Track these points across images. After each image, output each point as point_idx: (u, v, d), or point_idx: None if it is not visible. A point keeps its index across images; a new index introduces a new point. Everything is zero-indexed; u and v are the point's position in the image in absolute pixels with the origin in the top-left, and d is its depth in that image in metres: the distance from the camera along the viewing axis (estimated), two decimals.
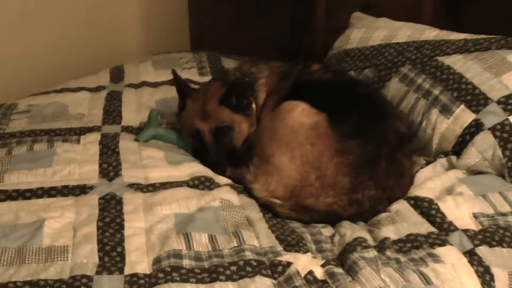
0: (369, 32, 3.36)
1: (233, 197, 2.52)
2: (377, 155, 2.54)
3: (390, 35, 3.26)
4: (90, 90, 3.65)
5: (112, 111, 3.31)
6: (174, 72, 3.09)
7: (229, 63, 4.01)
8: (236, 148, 2.89)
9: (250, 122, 2.94)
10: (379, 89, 3.10)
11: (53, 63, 4.38)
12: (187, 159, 2.85)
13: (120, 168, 2.69)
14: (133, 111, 3.33)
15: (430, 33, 3.17)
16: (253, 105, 3.00)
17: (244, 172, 2.72)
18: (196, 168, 2.74)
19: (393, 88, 3.04)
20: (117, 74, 3.88)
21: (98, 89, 3.67)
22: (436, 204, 2.38)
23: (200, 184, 2.60)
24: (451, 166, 2.65)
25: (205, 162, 2.83)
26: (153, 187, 2.57)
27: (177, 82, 3.08)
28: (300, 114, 2.63)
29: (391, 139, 2.63)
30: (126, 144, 2.92)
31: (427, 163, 2.74)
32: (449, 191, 2.50)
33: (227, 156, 2.85)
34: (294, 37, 4.22)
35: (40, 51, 4.35)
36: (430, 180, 2.59)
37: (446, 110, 2.76)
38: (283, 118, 2.66)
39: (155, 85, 3.72)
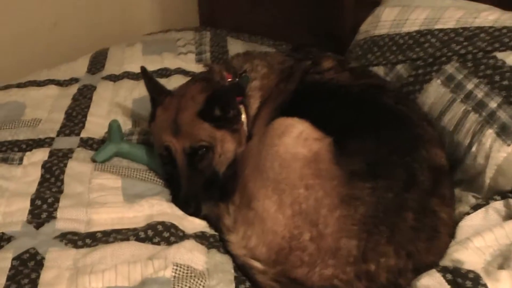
0: (405, 12, 2.54)
1: (197, 259, 1.83)
2: (401, 205, 1.79)
3: (433, 18, 2.44)
4: (60, 83, 3.00)
5: (76, 115, 2.65)
6: (143, 72, 2.36)
7: (235, 46, 3.27)
8: (219, 175, 2.18)
9: (237, 140, 2.23)
10: (413, 94, 2.29)
11: (53, 41, 3.74)
12: (151, 191, 2.19)
13: (57, 206, 2.04)
14: (102, 116, 2.65)
15: (488, 16, 2.32)
16: (243, 116, 2.27)
17: (223, 212, 1.99)
18: (159, 207, 2.05)
19: (434, 93, 2.25)
20: (97, 62, 3.20)
21: (70, 82, 3.02)
22: (485, 286, 1.60)
23: (156, 235, 1.91)
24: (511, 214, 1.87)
25: (175, 196, 2.14)
26: (93, 239, 1.91)
27: (148, 83, 2.35)
28: (295, 141, 1.89)
29: (423, 179, 1.87)
30: (77, 166, 2.26)
31: (476, 207, 1.94)
32: (507, 257, 1.73)
33: (205, 186, 2.14)
34: (318, 14, 3.38)
35: (36, 26, 3.70)
36: (479, 235, 1.84)
37: (506, 133, 1.97)
38: (272, 144, 1.91)
39: (138, 76, 2.99)
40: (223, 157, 2.19)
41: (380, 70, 2.47)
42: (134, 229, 1.93)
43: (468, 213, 1.96)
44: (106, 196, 2.11)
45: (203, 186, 2.13)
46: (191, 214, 2.07)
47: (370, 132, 1.95)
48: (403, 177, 1.83)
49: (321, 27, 3.39)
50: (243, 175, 2.00)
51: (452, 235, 1.89)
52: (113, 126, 2.32)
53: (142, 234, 1.90)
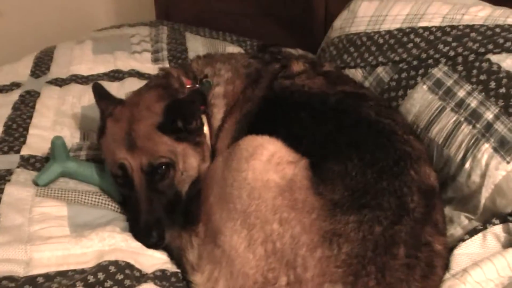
0: (384, 7, 2.29)
1: None
2: (392, 240, 1.55)
3: (416, 15, 2.20)
4: None
5: (16, 128, 2.33)
6: (96, 90, 2.11)
7: (195, 43, 3.00)
8: (182, 196, 1.93)
9: (201, 154, 1.98)
10: (396, 101, 2.05)
11: None
12: (102, 218, 1.91)
13: None
14: (46, 128, 2.35)
15: (478, 13, 2.09)
16: (205, 128, 2.01)
17: (186, 244, 1.73)
18: (111, 241, 1.78)
19: (419, 100, 2.02)
20: (42, 63, 2.87)
21: (10, 87, 2.67)
22: None
23: (108, 278, 1.63)
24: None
25: (132, 225, 1.87)
26: (33, 286, 1.60)
27: (99, 101, 2.10)
28: (266, 165, 1.64)
29: (414, 206, 1.63)
30: (15, 192, 1.96)
31: (472, 232, 1.72)
32: None
33: (167, 209, 1.88)
34: (287, 4, 3.11)
35: None
36: (477, 267, 1.63)
37: (505, 149, 1.74)
38: (239, 169, 1.65)
39: (88, 79, 2.70)
40: (185, 175, 1.92)
41: (357, 73, 2.23)
42: (82, 271, 1.65)
43: (463, 240, 1.73)
44: (50, 229, 1.81)
45: (165, 209, 1.86)
46: (152, 246, 1.80)
47: (351, 151, 1.70)
48: (392, 205, 1.59)
49: (290, 19, 3.12)
50: (207, 203, 1.74)
51: (446, 266, 1.65)
52: (57, 144, 2.02)
53: (91, 278, 1.61)
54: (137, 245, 1.79)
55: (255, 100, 1.98)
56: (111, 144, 1.93)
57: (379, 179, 1.63)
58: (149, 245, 1.80)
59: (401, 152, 1.74)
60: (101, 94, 2.09)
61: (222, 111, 2.03)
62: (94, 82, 2.15)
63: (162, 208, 1.86)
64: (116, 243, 1.76)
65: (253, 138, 1.71)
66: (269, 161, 1.64)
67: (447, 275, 1.64)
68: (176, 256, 1.78)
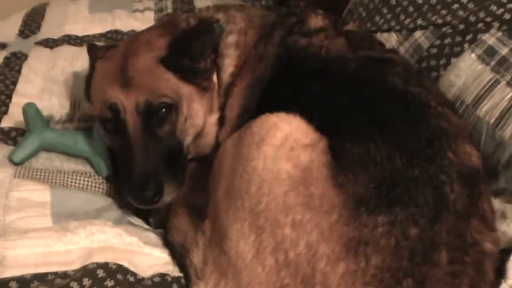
0: None
1: None
2: (431, 243, 1.25)
3: None
4: None
5: None
6: (90, 50, 1.84)
7: (204, 3, 2.67)
8: (183, 148, 1.66)
9: (208, 102, 1.70)
10: (436, 71, 1.74)
11: None
12: (91, 205, 1.64)
13: None
14: (33, 95, 2.08)
15: None
16: (214, 77, 1.72)
17: (190, 242, 1.46)
18: (101, 237, 1.52)
19: (466, 71, 1.71)
20: (32, 21, 2.55)
21: None
22: None
23: (95, 284, 1.34)
24: None
25: (124, 178, 1.59)
26: None
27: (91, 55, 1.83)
28: (278, 151, 1.34)
29: (455, 197, 1.32)
30: None
31: None
32: None
33: (166, 161, 1.59)
34: None
35: None
36: None
37: None
38: (249, 157, 1.36)
39: (82, 41, 2.39)
40: (189, 123, 1.65)
41: (391, 38, 1.91)
42: (65, 275, 1.38)
43: None
44: (29, 219, 1.54)
45: (163, 160, 1.58)
46: (149, 201, 1.53)
47: (374, 129, 1.39)
48: (428, 199, 1.29)
49: None
50: (214, 196, 1.45)
51: (498, 270, 1.36)
52: (29, 113, 1.74)
53: (75, 285, 1.33)
54: (132, 240, 1.52)
55: (268, 59, 1.68)
56: (101, 83, 1.65)
57: (410, 166, 1.33)
58: (145, 200, 1.53)
59: (435, 129, 1.42)
60: (93, 49, 1.80)
61: (233, 65, 1.74)
62: (89, 43, 1.86)
63: (161, 159, 1.57)
64: (107, 240, 1.49)
65: (266, 117, 1.41)
66: (281, 146, 1.34)
67: (504, 285, 1.35)
68: (178, 256, 1.51)
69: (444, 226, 1.28)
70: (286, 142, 1.33)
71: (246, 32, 1.75)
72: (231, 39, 1.76)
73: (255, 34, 1.74)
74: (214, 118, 1.71)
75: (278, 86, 1.61)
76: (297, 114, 1.40)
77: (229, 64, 1.73)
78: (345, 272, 1.20)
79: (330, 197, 1.26)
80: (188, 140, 1.66)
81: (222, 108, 1.75)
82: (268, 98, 1.59)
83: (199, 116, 1.66)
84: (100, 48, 1.82)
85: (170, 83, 1.60)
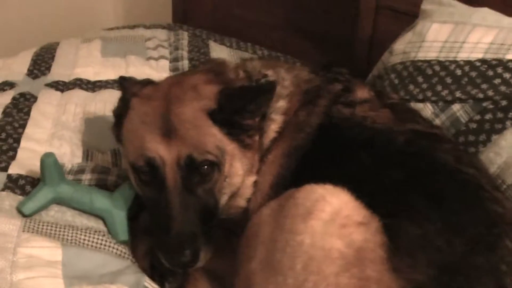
0: (460, 32, 1.91)
1: None
2: None
3: (503, 44, 1.82)
4: None
5: (5, 139, 1.93)
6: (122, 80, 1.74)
7: (220, 54, 2.61)
8: (218, 208, 1.55)
9: (249, 161, 1.59)
10: (475, 147, 1.67)
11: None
12: (106, 267, 1.52)
13: None
14: (42, 141, 1.95)
15: None
16: (257, 137, 1.61)
17: None
18: None
19: (508, 150, 1.67)
20: (42, 61, 2.45)
21: (2, 87, 2.25)
22: None
23: None
24: None
25: (159, 235, 1.48)
26: None
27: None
28: (328, 227, 1.25)
29: None
30: None
31: None
32: None
33: (203, 221, 1.50)
34: (326, 17, 2.73)
35: None
36: None
37: None
38: (293, 231, 1.27)
39: (95, 86, 2.29)
40: (228, 181, 1.55)
41: (426, 109, 1.84)
42: None
43: None
44: (39, 280, 1.41)
45: (201, 220, 1.48)
46: (185, 266, 1.45)
47: (431, 210, 1.31)
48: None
49: (325, 35, 2.74)
50: (247, 267, 1.34)
51: None
52: (47, 163, 1.61)
53: None
54: None
55: (309, 130, 1.59)
56: (139, 127, 1.52)
57: (472, 253, 1.25)
58: (180, 264, 1.45)
59: (491, 214, 1.35)
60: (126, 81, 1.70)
61: (276, 131, 1.63)
62: (120, 76, 1.77)
63: (198, 219, 1.47)
64: None
65: (312, 188, 1.32)
66: (332, 221, 1.25)
67: None
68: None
69: None
70: (336, 218, 1.24)
71: (292, 98, 1.66)
72: (281, 104, 1.66)
73: (298, 100, 1.66)
74: (251, 179, 1.60)
75: (318, 157, 1.52)
76: (343, 187, 1.30)
77: (273, 130, 1.63)
78: None
79: (388, 282, 1.17)
80: (224, 199, 1.56)
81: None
82: (306, 169, 1.50)
83: (238, 175, 1.56)
84: (134, 82, 1.69)
85: (215, 139, 1.50)
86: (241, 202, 1.61)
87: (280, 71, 1.70)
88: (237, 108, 1.51)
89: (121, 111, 1.62)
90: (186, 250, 1.43)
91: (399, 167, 1.44)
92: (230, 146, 1.52)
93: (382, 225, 1.27)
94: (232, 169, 1.54)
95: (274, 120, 1.63)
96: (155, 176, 1.49)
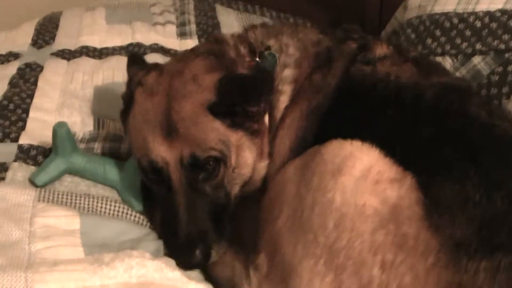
0: None
1: None
2: None
3: None
4: None
5: (13, 110, 1.88)
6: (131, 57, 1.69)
7: (228, 18, 2.52)
8: (231, 199, 1.50)
9: (258, 147, 1.53)
10: (498, 99, 1.61)
11: None
12: (126, 235, 1.49)
13: None
14: (51, 111, 1.90)
15: None
16: (266, 117, 1.55)
17: (240, 279, 1.31)
18: (140, 271, 1.35)
19: None
20: (46, 31, 2.40)
21: (7, 58, 2.20)
22: None
23: None
24: None
25: (168, 237, 1.46)
26: None
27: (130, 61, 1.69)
28: (360, 183, 1.21)
29: None
30: (12, 195, 1.51)
31: None
32: None
33: (212, 217, 1.45)
34: None
35: None
36: None
37: None
38: (322, 188, 1.23)
39: (101, 54, 2.24)
40: (237, 173, 1.49)
41: (446, 63, 1.80)
42: None
43: None
44: (58, 249, 1.37)
45: (210, 218, 1.44)
46: (194, 266, 1.40)
47: (468, 165, 1.26)
48: None
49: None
50: (272, 227, 1.30)
51: None
52: (60, 133, 1.57)
53: None
54: (174, 275, 1.36)
55: (328, 90, 1.53)
56: (142, 126, 1.48)
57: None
58: (190, 265, 1.41)
59: None
60: (134, 62, 1.64)
61: (287, 100, 1.58)
62: (131, 54, 1.69)
63: (207, 216, 1.43)
64: (147, 274, 1.33)
65: (339, 144, 1.27)
66: (364, 178, 1.20)
67: None
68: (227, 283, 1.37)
69: None
70: (368, 174, 1.20)
71: (301, 63, 1.60)
72: (287, 73, 1.60)
73: (309, 65, 1.59)
74: (263, 164, 1.55)
75: (340, 117, 1.47)
76: (372, 144, 1.26)
77: (283, 101, 1.58)
78: None
79: (426, 238, 1.13)
80: (234, 190, 1.51)
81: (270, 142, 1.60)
82: (329, 130, 1.43)
83: (247, 164, 1.51)
84: (141, 67, 1.63)
85: (218, 133, 1.44)
86: (256, 185, 1.56)
87: (282, 38, 1.64)
88: (237, 99, 1.45)
89: (127, 98, 1.57)
90: (196, 250, 1.39)
91: (430, 123, 1.39)
92: (235, 137, 1.47)
93: (416, 182, 1.22)
94: (240, 159, 1.49)
95: (283, 91, 1.58)
96: (160, 175, 1.46)
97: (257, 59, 1.61)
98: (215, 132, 1.45)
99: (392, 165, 1.25)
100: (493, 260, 1.12)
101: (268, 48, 1.63)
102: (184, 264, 1.40)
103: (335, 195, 1.20)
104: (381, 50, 1.61)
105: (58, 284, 1.27)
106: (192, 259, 1.39)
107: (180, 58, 1.67)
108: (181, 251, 1.41)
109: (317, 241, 1.19)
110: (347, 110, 1.49)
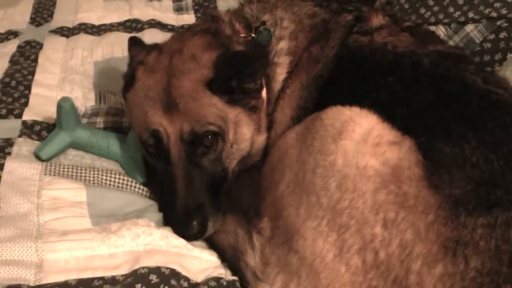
0: None
1: None
2: None
3: None
4: None
5: (15, 86, 1.92)
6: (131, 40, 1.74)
7: None
8: (228, 174, 1.56)
9: (256, 123, 1.58)
10: (491, 66, 1.67)
11: None
12: (131, 205, 1.53)
13: None
14: (52, 86, 1.94)
15: None
16: (263, 91, 1.59)
17: (242, 244, 1.35)
18: (147, 239, 1.39)
19: None
20: (43, 8, 2.41)
21: (6, 36, 2.22)
22: None
23: None
24: None
25: (166, 211, 1.49)
26: None
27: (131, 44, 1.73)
28: (361, 146, 1.25)
29: None
30: (18, 169, 1.55)
31: None
32: None
33: (210, 190, 1.50)
34: None
35: None
36: None
37: None
38: (324, 151, 1.27)
39: (100, 30, 2.28)
40: (235, 148, 1.54)
41: (439, 31, 1.83)
42: (114, 281, 1.27)
43: None
44: (66, 220, 1.42)
45: (207, 191, 1.49)
46: (191, 238, 1.43)
47: (465, 129, 1.30)
48: None
49: None
50: (275, 192, 1.34)
51: None
52: (64, 108, 1.61)
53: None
54: (179, 243, 1.41)
55: (326, 60, 1.57)
56: (143, 102, 1.52)
57: (508, 168, 1.23)
58: (188, 237, 1.43)
59: None
60: (135, 43, 1.68)
61: (285, 72, 1.62)
62: (131, 37, 1.74)
63: (204, 189, 1.48)
64: (153, 242, 1.38)
65: (339, 110, 1.31)
66: (364, 141, 1.24)
67: None
68: (230, 258, 1.41)
69: None
70: (368, 137, 1.24)
71: (297, 35, 1.65)
72: (282, 45, 1.64)
73: (306, 37, 1.64)
74: (262, 138, 1.60)
75: (340, 85, 1.51)
76: (371, 109, 1.30)
77: (280, 73, 1.62)
78: (443, 274, 1.12)
79: (426, 197, 1.17)
80: (232, 164, 1.56)
81: (270, 112, 1.64)
82: (330, 96, 1.47)
83: (245, 139, 1.56)
84: (142, 47, 1.67)
85: (216, 109, 1.49)
86: (254, 159, 1.61)
87: (276, 12, 1.68)
88: (233, 76, 1.49)
89: (129, 77, 1.61)
90: (193, 222, 1.44)
91: (428, 90, 1.42)
92: (234, 113, 1.52)
93: (415, 144, 1.27)
94: (238, 135, 1.54)
95: (278, 63, 1.62)
96: (159, 151, 1.50)
97: (253, 34, 1.65)
98: (214, 108, 1.49)
99: (391, 129, 1.29)
100: (490, 216, 1.16)
101: (263, 23, 1.66)
102: (182, 235, 1.43)
103: (337, 157, 1.24)
104: (377, 20, 1.64)
105: (68, 253, 1.32)
106: (189, 230, 1.43)
107: (178, 37, 1.71)
108: (179, 222, 1.44)
109: (319, 203, 1.23)
110: (346, 79, 1.53)
